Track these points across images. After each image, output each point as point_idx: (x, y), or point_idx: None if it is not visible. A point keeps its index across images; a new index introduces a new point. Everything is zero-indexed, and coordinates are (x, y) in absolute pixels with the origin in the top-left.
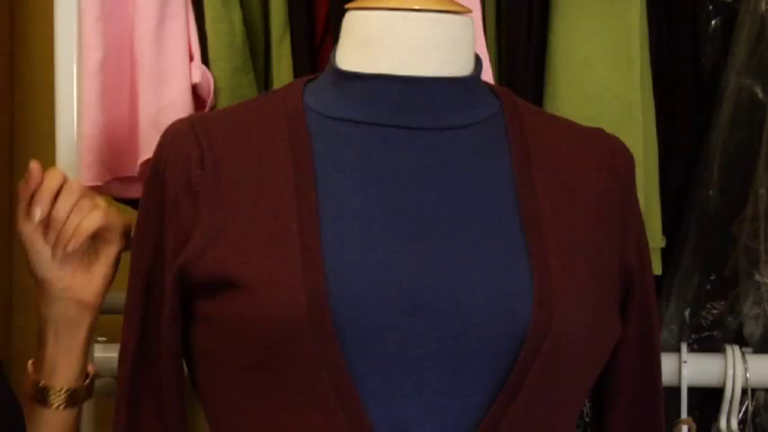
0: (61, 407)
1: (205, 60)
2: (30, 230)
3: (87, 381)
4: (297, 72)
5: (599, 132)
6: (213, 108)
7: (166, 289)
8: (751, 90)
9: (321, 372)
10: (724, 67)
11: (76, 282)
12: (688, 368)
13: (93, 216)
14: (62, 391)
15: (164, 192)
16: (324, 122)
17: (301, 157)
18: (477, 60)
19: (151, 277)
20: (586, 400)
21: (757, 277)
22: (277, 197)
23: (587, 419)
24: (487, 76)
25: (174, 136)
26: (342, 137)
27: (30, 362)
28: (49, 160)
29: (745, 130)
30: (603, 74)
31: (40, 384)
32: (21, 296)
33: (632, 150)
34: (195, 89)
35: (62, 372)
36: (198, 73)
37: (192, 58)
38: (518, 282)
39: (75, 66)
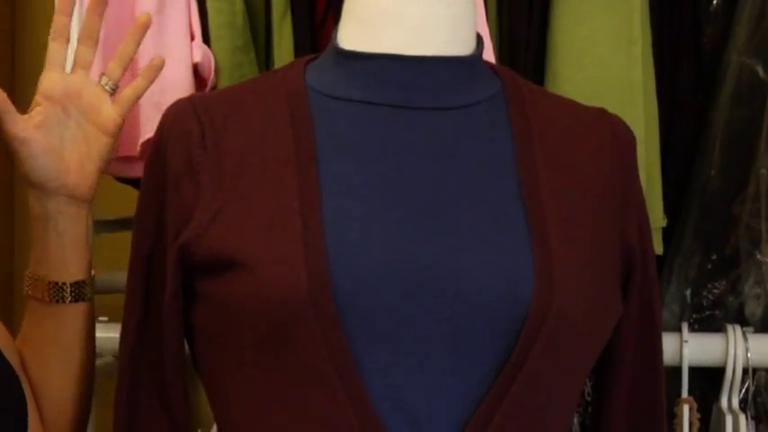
0: (71, 301)
1: (206, 40)
2: (25, 132)
3: (94, 273)
4: (298, 51)
5: (601, 112)
6: (214, 87)
7: (168, 268)
8: (752, 69)
9: (322, 350)
10: (725, 47)
11: (71, 178)
12: (689, 348)
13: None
14: (70, 285)
15: (165, 171)
16: (325, 102)
17: (302, 136)
18: (479, 40)
19: (152, 257)
20: (588, 380)
21: (758, 257)
22: (278, 176)
23: (589, 398)
24: (489, 55)
25: (175, 115)
26: (343, 116)
27: (28, 270)
28: None
29: (746, 109)
30: (605, 53)
31: (51, 281)
32: (22, 274)
33: (633, 130)
34: (196, 68)
35: (72, 265)
36: (199, 52)
37: (192, 38)
38: (519, 262)
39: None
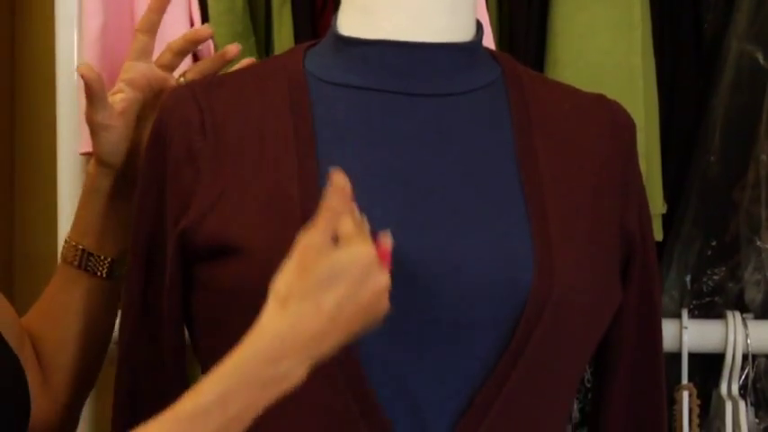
0: (106, 275)
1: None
2: (110, 119)
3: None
4: (298, 37)
5: (600, 98)
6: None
7: (168, 255)
8: (752, 56)
9: None
10: (725, 33)
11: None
12: (689, 334)
13: None
14: (107, 260)
15: (165, 158)
16: (324, 88)
17: (302, 122)
18: (479, 26)
19: (152, 244)
20: (588, 366)
21: (758, 243)
22: (277, 163)
23: (589, 385)
24: (488, 41)
25: (174, 102)
26: (342, 103)
27: (68, 235)
28: (50, 127)
29: (746, 95)
30: (605, 40)
31: (93, 252)
32: (22, 260)
33: (633, 116)
34: (196, 55)
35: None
36: None
37: (192, 24)
38: (519, 248)
39: (75, 32)
